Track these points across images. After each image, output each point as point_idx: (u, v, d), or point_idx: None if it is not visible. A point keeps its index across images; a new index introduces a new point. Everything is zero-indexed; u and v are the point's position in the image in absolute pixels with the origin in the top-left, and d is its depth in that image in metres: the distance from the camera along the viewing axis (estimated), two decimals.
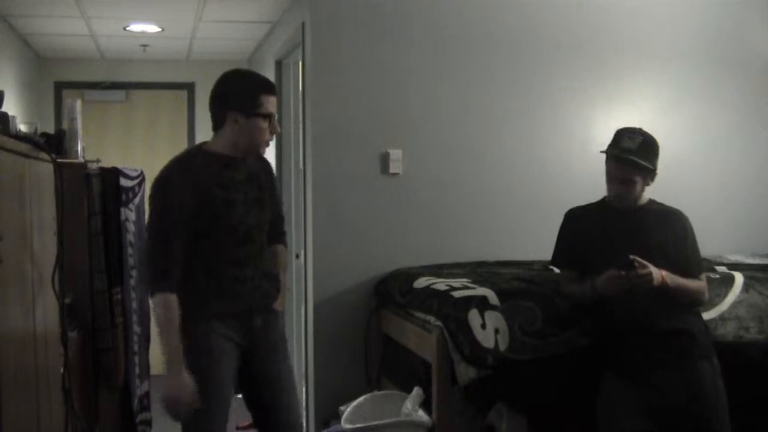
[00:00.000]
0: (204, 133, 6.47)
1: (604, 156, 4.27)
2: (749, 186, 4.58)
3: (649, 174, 2.96)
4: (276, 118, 2.73)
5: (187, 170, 2.66)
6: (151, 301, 2.65)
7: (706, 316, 3.19)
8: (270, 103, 2.68)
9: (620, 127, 3.04)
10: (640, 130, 2.99)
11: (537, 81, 4.30)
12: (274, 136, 2.79)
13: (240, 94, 2.67)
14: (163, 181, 2.64)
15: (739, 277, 3.44)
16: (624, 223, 2.99)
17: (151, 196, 2.64)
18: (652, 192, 4.58)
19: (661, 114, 4.49)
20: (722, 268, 3.64)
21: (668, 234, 2.99)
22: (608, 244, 2.95)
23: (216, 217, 2.64)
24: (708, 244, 4.30)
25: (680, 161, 4.49)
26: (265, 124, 2.67)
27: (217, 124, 2.72)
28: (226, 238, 2.67)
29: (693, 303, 3.00)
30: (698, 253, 3.05)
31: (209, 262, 2.66)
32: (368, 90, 4.08)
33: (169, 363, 2.56)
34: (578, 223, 3.11)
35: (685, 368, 2.86)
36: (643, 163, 2.90)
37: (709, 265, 3.74)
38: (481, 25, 4.23)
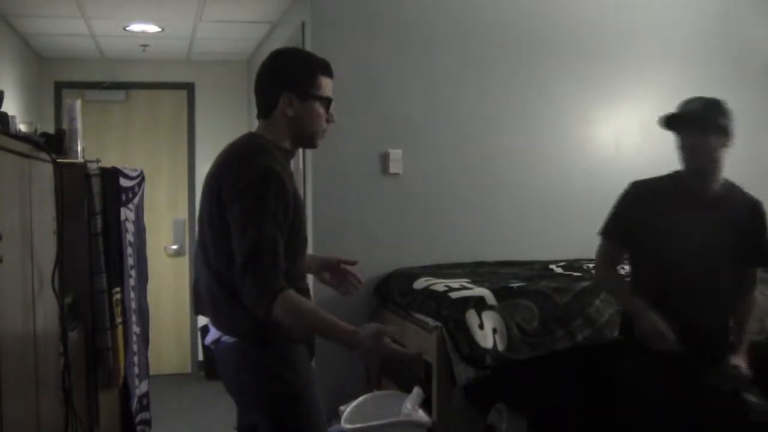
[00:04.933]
0: (204, 133, 6.52)
1: (603, 156, 4.24)
2: (750, 186, 4.57)
3: (726, 137, 2.67)
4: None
5: (280, 165, 2.21)
6: (276, 310, 2.04)
7: None
8: (329, 87, 2.31)
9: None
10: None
11: (536, 81, 4.30)
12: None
13: (295, 72, 2.28)
14: (269, 171, 2.13)
15: None
16: (701, 217, 2.68)
17: (250, 186, 2.10)
18: None
19: (660, 114, 4.48)
20: None
21: (750, 234, 2.74)
22: (679, 240, 2.65)
23: (301, 223, 2.25)
24: None
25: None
26: (322, 110, 2.29)
27: (266, 110, 2.29)
28: (302, 248, 2.29)
29: None
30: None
31: (291, 279, 2.15)
32: (368, 90, 4.07)
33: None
34: (643, 199, 2.77)
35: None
36: (717, 120, 2.64)
37: None
38: (480, 26, 4.23)
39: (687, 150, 2.71)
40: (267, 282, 2.04)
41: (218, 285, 2.20)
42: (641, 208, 2.75)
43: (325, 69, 2.32)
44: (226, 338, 2.23)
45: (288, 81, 2.26)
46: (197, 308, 2.40)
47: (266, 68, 2.31)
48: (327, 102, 2.30)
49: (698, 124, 2.67)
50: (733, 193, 2.79)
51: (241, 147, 2.26)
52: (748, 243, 2.73)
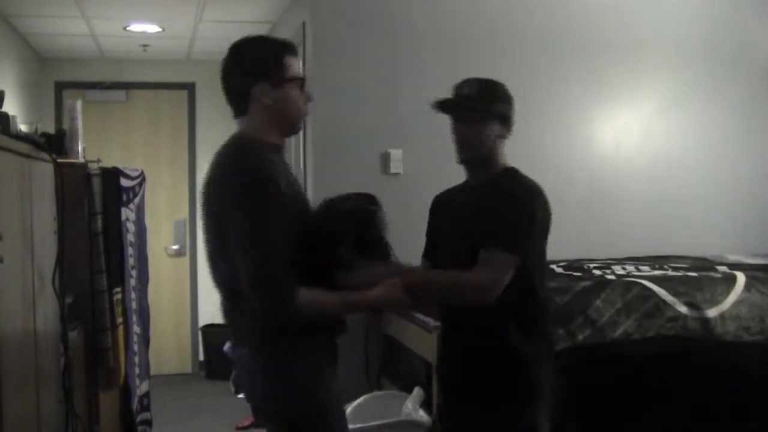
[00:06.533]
0: (204, 133, 6.52)
1: (603, 156, 4.19)
2: (749, 185, 4.58)
3: (503, 125, 2.49)
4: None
5: (268, 161, 2.10)
6: (297, 317, 2.03)
7: (708, 314, 3.18)
8: (298, 66, 2.20)
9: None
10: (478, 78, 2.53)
11: (537, 81, 4.29)
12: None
13: (261, 60, 2.16)
14: (256, 172, 2.04)
15: (741, 277, 3.44)
16: (456, 211, 2.53)
17: (243, 195, 2.00)
18: (652, 192, 4.57)
19: (660, 114, 4.49)
20: (723, 268, 3.64)
21: (484, 208, 2.38)
22: (438, 240, 2.61)
23: (301, 218, 2.14)
24: (708, 244, 4.32)
25: (680, 161, 4.49)
26: (297, 91, 2.18)
27: (241, 107, 2.17)
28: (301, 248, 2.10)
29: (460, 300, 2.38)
30: (513, 232, 2.36)
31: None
32: (368, 90, 4.07)
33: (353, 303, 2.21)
34: (433, 209, 2.73)
35: None
36: (492, 107, 2.45)
37: (709, 264, 3.74)
38: (481, 25, 4.23)
39: (458, 138, 2.51)
40: (281, 296, 1.98)
41: (227, 297, 2.15)
42: (433, 219, 2.69)
43: (290, 48, 2.20)
44: (242, 349, 2.18)
45: (256, 71, 2.14)
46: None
47: (230, 64, 2.18)
48: (301, 82, 2.19)
49: (476, 111, 2.46)
50: (502, 181, 2.49)
51: (227, 152, 2.14)
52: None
